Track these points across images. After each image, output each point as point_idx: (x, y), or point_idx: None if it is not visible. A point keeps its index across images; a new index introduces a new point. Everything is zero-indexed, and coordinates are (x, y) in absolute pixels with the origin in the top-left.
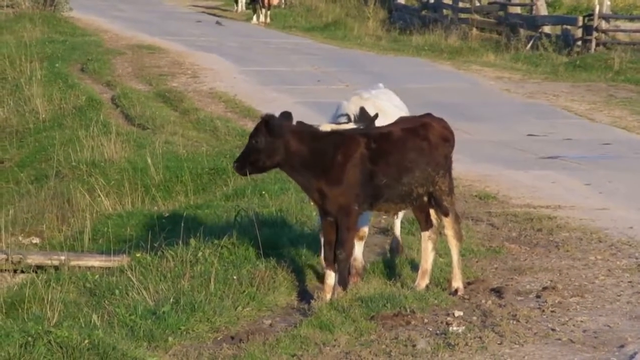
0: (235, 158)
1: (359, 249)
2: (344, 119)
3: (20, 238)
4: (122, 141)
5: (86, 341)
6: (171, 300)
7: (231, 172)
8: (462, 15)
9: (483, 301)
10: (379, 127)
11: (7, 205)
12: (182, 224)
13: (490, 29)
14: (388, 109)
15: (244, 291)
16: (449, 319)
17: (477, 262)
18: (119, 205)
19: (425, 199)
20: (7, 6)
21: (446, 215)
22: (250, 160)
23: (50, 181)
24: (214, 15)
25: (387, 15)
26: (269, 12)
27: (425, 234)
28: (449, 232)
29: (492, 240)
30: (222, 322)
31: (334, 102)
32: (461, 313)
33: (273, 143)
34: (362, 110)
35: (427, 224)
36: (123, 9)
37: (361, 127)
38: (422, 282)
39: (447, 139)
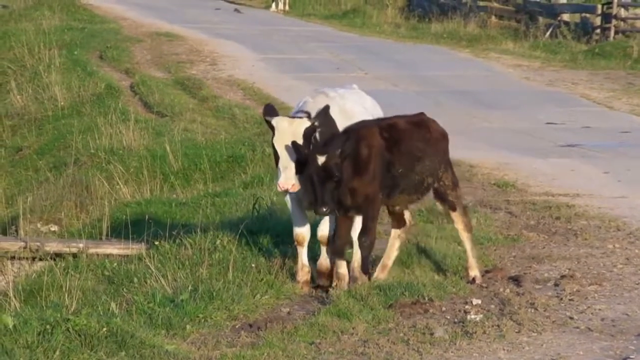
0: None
1: (324, 252)
2: (302, 114)
3: (38, 226)
4: (140, 129)
5: (104, 329)
6: (189, 288)
7: (250, 160)
8: (481, 3)
9: (501, 289)
10: (384, 119)
11: (25, 192)
12: (201, 212)
13: (509, 17)
14: (352, 109)
15: (262, 279)
16: (467, 307)
17: (495, 250)
18: (137, 193)
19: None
20: None
21: (454, 209)
22: (333, 197)
23: (68, 169)
24: (233, 2)
25: (405, 3)
26: (287, 0)
27: (396, 232)
28: (459, 225)
29: (511, 229)
30: (241, 310)
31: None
32: (479, 301)
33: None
34: (325, 108)
35: (399, 223)
36: None
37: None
38: (381, 274)
39: (444, 135)
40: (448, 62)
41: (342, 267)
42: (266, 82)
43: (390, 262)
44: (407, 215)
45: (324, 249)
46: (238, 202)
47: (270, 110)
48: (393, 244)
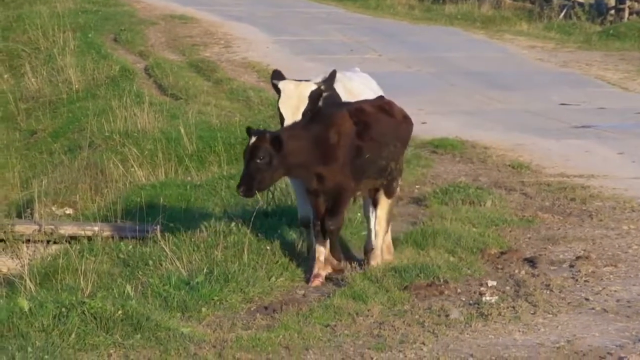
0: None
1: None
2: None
3: (53, 209)
4: (155, 111)
5: (120, 312)
6: (205, 270)
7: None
8: None
9: (516, 271)
10: (350, 103)
11: (40, 176)
12: (216, 195)
13: None
14: (358, 90)
15: (277, 261)
16: (482, 288)
17: (510, 231)
18: (152, 175)
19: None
20: None
21: (389, 196)
22: (258, 180)
23: (83, 152)
24: None
25: None
26: None
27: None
28: (382, 213)
29: (525, 210)
30: (256, 292)
31: (366, 72)
32: (494, 283)
33: (279, 156)
34: (332, 73)
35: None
36: None
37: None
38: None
39: (407, 117)
40: (462, 44)
41: (322, 254)
42: (280, 64)
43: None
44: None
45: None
46: None
47: (278, 75)
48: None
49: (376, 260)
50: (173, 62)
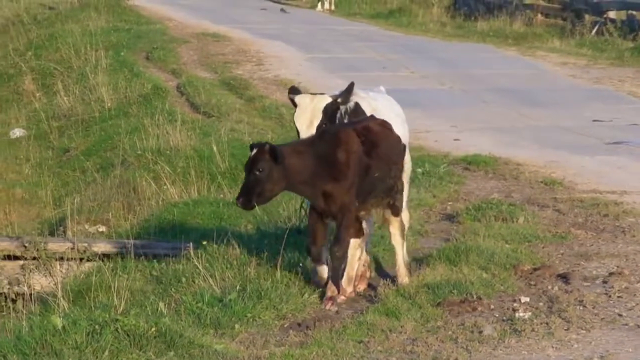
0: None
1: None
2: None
3: (86, 226)
4: (187, 129)
5: (153, 329)
6: (237, 287)
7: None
8: (527, 1)
9: (549, 287)
10: (356, 121)
11: (73, 193)
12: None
13: (555, 15)
14: (383, 110)
15: (310, 278)
16: (515, 305)
17: (543, 247)
18: (184, 193)
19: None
20: None
21: (396, 214)
22: (257, 192)
23: (116, 169)
24: (279, 2)
25: (451, 2)
26: (333, 0)
27: (356, 241)
28: (396, 231)
29: (558, 226)
30: (289, 309)
31: (399, 89)
32: (527, 299)
33: (278, 169)
34: (350, 86)
35: (358, 233)
36: None
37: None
38: (349, 288)
39: (400, 139)
40: (494, 60)
41: (323, 272)
42: (313, 81)
43: (354, 273)
44: (364, 224)
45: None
46: (285, 201)
47: (295, 90)
48: (354, 254)
49: (402, 279)
50: (205, 80)
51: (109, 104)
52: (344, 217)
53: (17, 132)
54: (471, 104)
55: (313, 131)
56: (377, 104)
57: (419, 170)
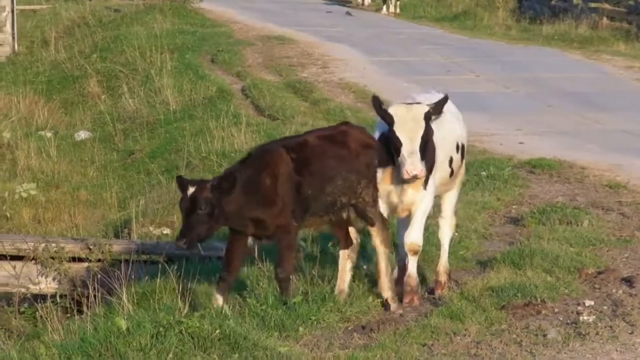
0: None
1: (412, 265)
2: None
3: (151, 229)
4: (252, 132)
5: (217, 331)
6: (302, 290)
7: None
8: (592, 5)
9: (614, 290)
10: (293, 137)
11: (137, 195)
12: None
13: (620, 18)
14: (443, 114)
15: (375, 281)
16: (579, 308)
17: (607, 251)
18: None
19: (345, 216)
20: None
21: (372, 225)
22: (199, 232)
23: (180, 172)
24: (344, 5)
25: (517, 5)
26: (398, 3)
27: (345, 252)
28: (377, 239)
29: (623, 230)
30: (353, 312)
31: (464, 93)
32: (592, 302)
33: (219, 207)
34: (444, 99)
35: (346, 243)
36: (253, 0)
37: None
38: (341, 297)
39: (369, 146)
40: (559, 64)
41: (218, 301)
42: (378, 84)
43: (345, 287)
44: (353, 233)
45: (412, 259)
46: None
47: (379, 100)
48: (344, 266)
49: (384, 293)
50: (270, 83)
51: (173, 107)
52: (283, 238)
53: (82, 134)
54: (536, 108)
55: (418, 141)
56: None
57: (484, 173)
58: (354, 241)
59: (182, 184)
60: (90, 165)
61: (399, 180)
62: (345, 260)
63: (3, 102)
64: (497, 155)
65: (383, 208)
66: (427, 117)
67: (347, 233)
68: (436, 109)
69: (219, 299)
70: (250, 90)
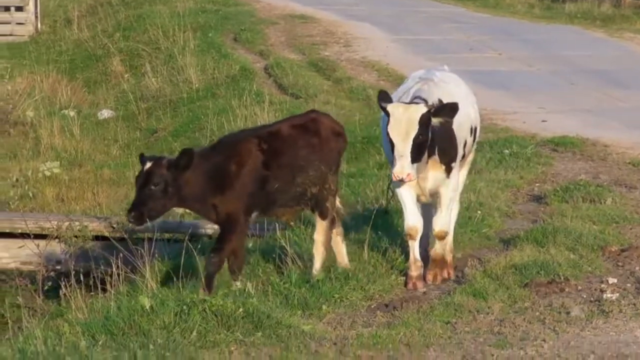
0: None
1: (440, 245)
2: (418, 101)
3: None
4: (275, 110)
5: (241, 309)
6: (325, 268)
7: None
8: None
9: (637, 268)
10: (264, 127)
11: None
12: None
13: None
14: (456, 94)
15: (397, 259)
16: (602, 286)
17: (631, 229)
18: None
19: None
20: None
21: (324, 218)
22: (150, 208)
23: None
24: None
25: None
26: None
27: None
28: (319, 237)
29: None
30: (376, 289)
31: (486, 71)
32: (615, 280)
33: (174, 184)
34: (440, 102)
35: (331, 224)
36: None
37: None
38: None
39: (339, 133)
40: (582, 42)
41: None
42: (400, 63)
43: (346, 260)
44: (338, 207)
45: (438, 243)
46: (373, 182)
47: (385, 97)
48: (337, 241)
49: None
50: (293, 62)
51: (196, 85)
52: (228, 226)
53: (105, 113)
54: (559, 86)
55: (409, 144)
56: (448, 87)
57: (507, 151)
58: (336, 217)
59: (142, 160)
60: (113, 144)
61: (422, 168)
62: (336, 237)
63: (26, 81)
64: (520, 133)
65: (410, 198)
66: (424, 119)
67: (332, 213)
68: (442, 113)
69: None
70: (273, 69)
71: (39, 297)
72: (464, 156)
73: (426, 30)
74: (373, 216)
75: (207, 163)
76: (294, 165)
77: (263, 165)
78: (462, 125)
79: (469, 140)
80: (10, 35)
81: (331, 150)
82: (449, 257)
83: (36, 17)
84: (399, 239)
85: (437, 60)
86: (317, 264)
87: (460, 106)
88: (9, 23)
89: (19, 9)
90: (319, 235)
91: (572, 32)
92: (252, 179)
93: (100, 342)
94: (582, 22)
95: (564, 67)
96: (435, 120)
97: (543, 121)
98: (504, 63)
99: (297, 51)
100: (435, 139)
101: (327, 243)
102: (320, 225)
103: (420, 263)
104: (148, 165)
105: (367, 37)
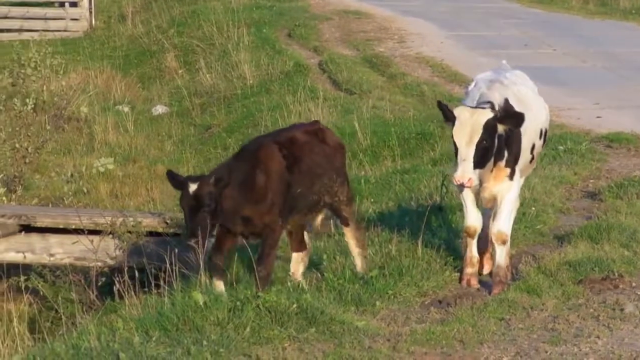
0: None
1: (500, 254)
2: (485, 106)
3: None
4: (329, 106)
5: (294, 305)
6: (379, 264)
7: (439, 137)
8: None
9: None
10: (281, 133)
11: None
12: (390, 189)
13: None
14: (527, 96)
15: (451, 255)
16: None
17: None
18: None
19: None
20: None
21: (346, 225)
22: (208, 229)
23: None
24: None
25: None
26: None
27: (298, 255)
28: (351, 240)
29: None
30: (430, 286)
31: (541, 67)
32: None
33: (220, 198)
34: (507, 102)
35: (300, 246)
36: None
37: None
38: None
39: (341, 145)
40: (637, 38)
41: (219, 287)
42: (454, 59)
43: (299, 277)
44: (306, 238)
45: (499, 248)
46: (427, 178)
47: (445, 106)
48: (297, 269)
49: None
50: (347, 57)
51: (250, 81)
52: (268, 237)
53: (160, 109)
54: (613, 82)
55: (473, 148)
56: (517, 88)
57: (561, 147)
58: (307, 246)
59: (179, 180)
60: (167, 140)
61: (486, 176)
62: (298, 264)
63: (81, 76)
64: (574, 129)
65: (471, 198)
66: (489, 125)
67: (303, 237)
68: (508, 121)
69: (220, 285)
70: (327, 65)
71: (93, 292)
72: (532, 160)
73: (480, 26)
74: (427, 212)
75: (235, 174)
76: (312, 172)
77: (287, 171)
78: (530, 127)
79: (538, 142)
80: (65, 31)
81: (336, 161)
82: (507, 261)
83: (90, 13)
84: (453, 235)
85: (492, 56)
86: (358, 262)
87: (528, 108)
88: (63, 19)
89: (74, 4)
90: (348, 239)
91: (626, 28)
92: (280, 187)
93: (153, 338)
94: (637, 18)
95: (618, 63)
96: (500, 128)
97: (598, 117)
98: (558, 59)
99: (351, 47)
100: (501, 145)
101: (360, 244)
102: (347, 231)
103: (476, 259)
104: (194, 187)
105: (421, 33)
